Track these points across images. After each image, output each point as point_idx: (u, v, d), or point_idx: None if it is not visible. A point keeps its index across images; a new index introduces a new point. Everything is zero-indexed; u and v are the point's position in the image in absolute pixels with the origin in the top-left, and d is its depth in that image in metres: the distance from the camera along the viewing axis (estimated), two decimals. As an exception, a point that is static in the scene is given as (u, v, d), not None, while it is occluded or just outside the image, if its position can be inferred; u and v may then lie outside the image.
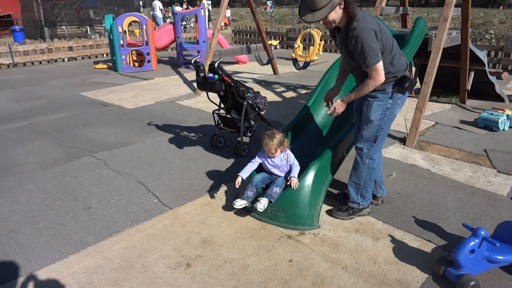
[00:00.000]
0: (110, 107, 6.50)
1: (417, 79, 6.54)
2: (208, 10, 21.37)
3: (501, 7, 51.34)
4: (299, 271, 2.48)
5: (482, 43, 10.01)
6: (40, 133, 5.22)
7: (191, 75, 9.07)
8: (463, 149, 4.49)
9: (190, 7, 18.76)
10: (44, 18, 17.37)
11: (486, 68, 6.26)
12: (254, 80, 8.61)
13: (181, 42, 10.22)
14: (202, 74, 4.29)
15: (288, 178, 3.02)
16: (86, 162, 4.21)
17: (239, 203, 2.97)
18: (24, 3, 19.39)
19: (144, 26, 9.60)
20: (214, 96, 4.68)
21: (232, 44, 14.26)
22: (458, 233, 2.85)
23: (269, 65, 8.79)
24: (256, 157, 3.18)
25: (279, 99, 6.93)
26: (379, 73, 2.58)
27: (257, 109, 4.31)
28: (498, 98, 6.53)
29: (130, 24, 10.24)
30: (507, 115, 5.10)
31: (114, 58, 9.74)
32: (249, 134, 4.60)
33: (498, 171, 3.88)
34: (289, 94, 7.25)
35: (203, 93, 7.11)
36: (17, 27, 16.40)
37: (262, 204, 2.89)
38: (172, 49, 13.20)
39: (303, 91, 7.47)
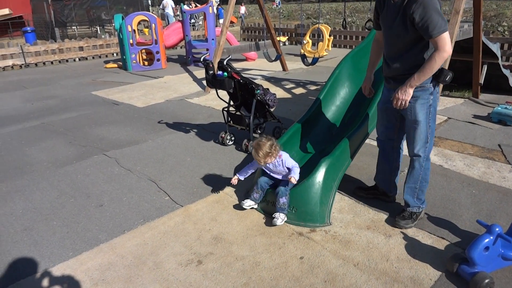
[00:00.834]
0: (121, 105, 6.55)
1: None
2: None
3: (514, -1, 50.28)
4: (310, 268, 2.47)
5: (495, 36, 9.84)
6: (53, 132, 5.28)
7: (200, 72, 9.09)
8: (477, 144, 4.42)
9: (198, 5, 18.78)
10: (54, 19, 17.57)
11: (500, 61, 6.15)
12: (263, 77, 8.59)
13: (190, 40, 10.24)
14: (211, 72, 4.30)
15: (288, 177, 2.95)
16: (98, 160, 4.26)
17: (248, 204, 3.06)
18: (35, 4, 19.64)
19: (153, 25, 9.65)
20: (223, 94, 4.68)
21: (240, 41, 14.25)
22: (472, 230, 2.81)
23: (278, 62, 8.76)
24: (254, 161, 3.13)
25: (289, 95, 6.91)
26: (448, 42, 2.30)
27: (266, 106, 4.30)
28: (512, 92, 6.42)
29: (139, 23, 10.29)
30: (522, 109, 5.01)
31: (124, 57, 9.80)
32: (259, 131, 4.61)
33: (513, 166, 3.82)
34: (299, 91, 7.22)
35: (213, 91, 7.11)
36: (28, 28, 16.60)
37: (280, 219, 2.88)
38: (181, 47, 13.24)
39: (313, 87, 7.44)
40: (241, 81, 4.16)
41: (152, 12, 14.09)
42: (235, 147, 4.51)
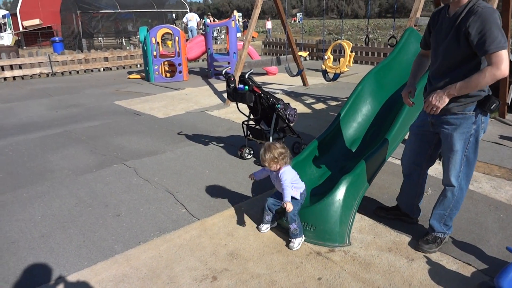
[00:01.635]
0: (142, 116, 6.63)
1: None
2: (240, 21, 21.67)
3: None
4: (328, 290, 2.39)
5: (523, 56, 9.57)
6: (75, 140, 5.37)
7: (221, 85, 9.16)
8: (504, 166, 4.25)
9: (216, 20, 19.08)
10: (82, 30, 18.15)
11: (528, 81, 5.95)
12: (283, 91, 8.58)
13: (212, 54, 10.36)
14: (233, 85, 4.30)
15: (282, 203, 2.75)
16: (117, 169, 4.28)
17: (264, 228, 3.04)
18: (64, 15, 20.36)
19: (177, 38, 9.81)
20: (243, 107, 4.67)
21: (261, 56, 14.34)
22: (500, 257, 2.67)
23: (299, 77, 8.75)
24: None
25: (309, 110, 6.86)
26: (505, 61, 2.12)
27: (286, 121, 4.27)
28: (542, 113, 6.19)
29: (163, 35, 10.50)
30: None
31: (147, 68, 9.98)
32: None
33: (544, 191, 3.64)
34: (319, 106, 7.17)
35: (233, 104, 7.14)
36: (56, 38, 17.20)
37: (296, 243, 2.81)
38: (203, 60, 13.42)
39: (333, 103, 7.37)
40: (262, 95, 4.15)
41: (176, 26, 14.38)
42: (253, 161, 4.47)
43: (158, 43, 9.91)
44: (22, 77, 10.71)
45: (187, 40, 11.20)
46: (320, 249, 2.79)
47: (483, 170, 4.14)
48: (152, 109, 7.05)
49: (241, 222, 3.17)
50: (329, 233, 2.83)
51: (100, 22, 19.20)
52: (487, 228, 3.04)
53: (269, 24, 24.21)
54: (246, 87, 4.14)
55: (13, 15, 24.14)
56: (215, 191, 3.74)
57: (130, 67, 12.62)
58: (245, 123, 4.55)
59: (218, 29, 19.36)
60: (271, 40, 16.15)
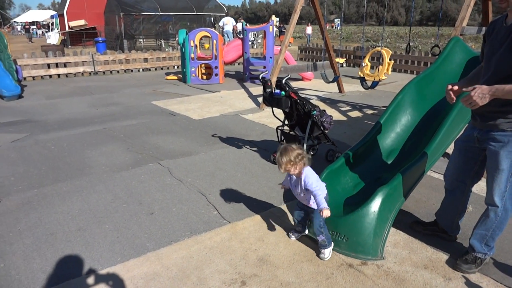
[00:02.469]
0: (178, 116, 6.75)
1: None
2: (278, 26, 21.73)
3: None
4: (359, 304, 2.31)
5: None
6: (113, 137, 5.54)
7: (256, 89, 9.19)
8: (553, 186, 3.98)
9: (248, 25, 19.19)
10: (124, 31, 18.80)
11: None
12: (318, 97, 8.49)
13: (249, 57, 10.42)
14: (269, 90, 4.29)
15: (319, 211, 2.57)
16: (152, 168, 4.37)
17: (295, 235, 3.01)
18: (108, 17, 21.18)
19: (215, 41, 9.95)
20: (278, 112, 4.65)
21: (297, 61, 14.28)
22: (547, 283, 2.50)
23: (335, 83, 8.64)
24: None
25: (344, 118, 6.75)
26: None
27: (321, 128, 4.21)
28: None
29: (201, 38, 10.69)
30: None
31: (184, 70, 10.18)
32: (311, 153, 4.50)
33: None
34: (355, 114, 7.03)
35: (267, 108, 7.14)
36: (100, 39, 17.91)
37: (326, 253, 2.74)
38: (238, 64, 13.55)
39: (369, 111, 7.21)
40: (298, 100, 4.11)
41: (215, 30, 14.61)
42: (286, 167, 4.43)
43: (196, 45, 10.09)
44: (66, 75, 11.20)
45: (223, 44, 11.34)
46: (352, 261, 2.72)
47: (529, 189, 3.89)
48: (188, 110, 7.16)
49: (271, 228, 3.15)
50: (362, 245, 2.75)
51: (142, 24, 19.83)
52: (533, 251, 2.85)
53: (309, 30, 24.10)
54: (283, 92, 4.12)
55: (61, 16, 25.42)
56: (246, 195, 3.74)
57: (168, 68, 12.92)
58: (280, 128, 4.52)
59: (255, 33, 19.48)
60: (309, 45, 16.06)
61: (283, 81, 4.18)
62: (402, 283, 2.50)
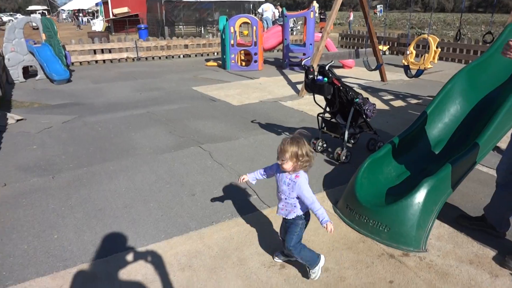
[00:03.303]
0: (217, 102, 6.84)
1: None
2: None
3: None
4: (401, 294, 2.28)
5: None
6: (156, 121, 5.71)
7: (295, 76, 9.11)
8: None
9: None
10: (165, 18, 19.13)
11: None
12: (359, 85, 8.30)
13: (288, 44, 10.32)
14: (311, 76, 4.24)
15: (324, 226, 2.15)
16: (193, 151, 4.48)
17: (279, 259, 2.58)
18: (150, 4, 21.63)
19: (254, 28, 9.92)
20: (320, 99, 4.60)
21: (338, 48, 13.98)
22: None
23: (377, 71, 8.39)
24: (274, 164, 2.46)
25: (386, 107, 6.56)
26: None
27: (364, 116, 4.12)
28: None
29: (240, 25, 10.69)
30: None
31: (224, 56, 10.25)
32: (353, 141, 4.43)
33: None
34: (397, 103, 6.82)
35: (307, 95, 7.07)
36: (142, 26, 18.35)
37: (316, 273, 2.37)
38: (277, 51, 13.45)
39: (413, 101, 6.97)
40: (341, 87, 4.04)
41: (255, 16, 14.57)
42: (325, 155, 4.40)
43: (236, 32, 10.10)
44: (111, 61, 11.60)
45: (263, 30, 11.28)
46: (394, 252, 2.68)
47: None
48: (227, 96, 7.23)
49: (311, 215, 3.14)
50: (405, 236, 2.69)
51: (182, 11, 20.09)
52: None
53: (352, 16, 23.48)
54: (326, 78, 4.06)
55: (105, 3, 26.18)
56: (286, 181, 3.74)
57: (208, 54, 13.05)
58: (321, 115, 4.48)
59: (294, 20, 19.21)
60: (350, 32, 15.66)
61: (326, 68, 4.11)
62: (445, 276, 2.44)
